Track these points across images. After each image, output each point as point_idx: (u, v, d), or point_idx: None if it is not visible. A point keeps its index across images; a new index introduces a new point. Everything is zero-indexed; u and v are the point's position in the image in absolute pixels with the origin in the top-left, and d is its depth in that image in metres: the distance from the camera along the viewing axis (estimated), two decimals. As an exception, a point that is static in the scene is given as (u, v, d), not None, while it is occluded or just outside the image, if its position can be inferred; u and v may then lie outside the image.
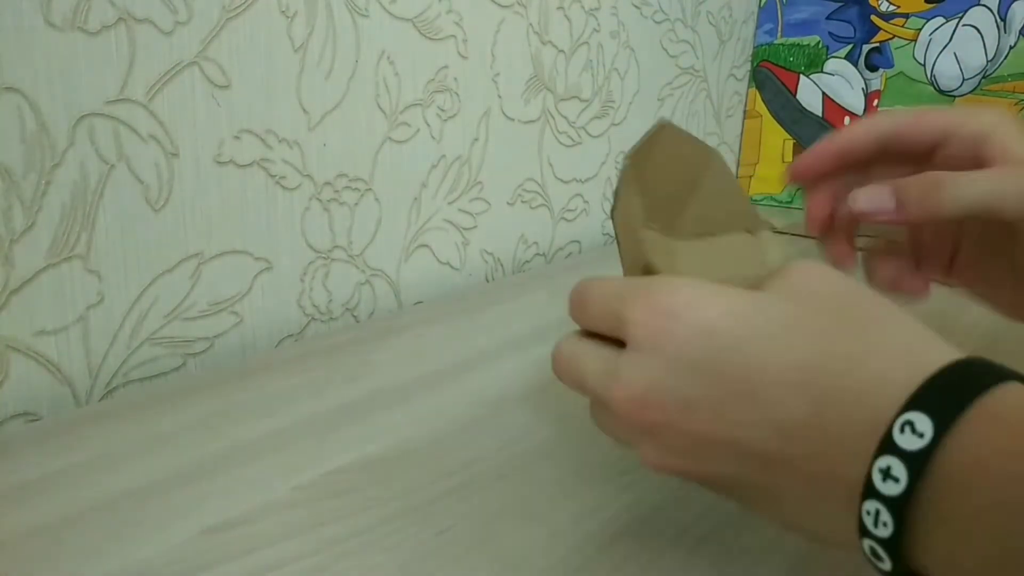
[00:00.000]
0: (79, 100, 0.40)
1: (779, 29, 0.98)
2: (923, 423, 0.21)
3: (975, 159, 0.34)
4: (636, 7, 0.79)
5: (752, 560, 0.29)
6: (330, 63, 0.52)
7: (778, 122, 1.01)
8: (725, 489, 0.27)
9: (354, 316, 0.58)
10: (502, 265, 0.70)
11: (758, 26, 1.00)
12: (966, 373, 0.22)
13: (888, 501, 0.21)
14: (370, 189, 0.56)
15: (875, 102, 0.94)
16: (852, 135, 0.38)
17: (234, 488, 0.33)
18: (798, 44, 0.97)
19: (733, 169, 1.05)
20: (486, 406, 0.41)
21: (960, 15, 0.87)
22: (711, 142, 0.99)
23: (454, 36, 0.60)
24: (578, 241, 0.79)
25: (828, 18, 0.95)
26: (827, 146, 0.39)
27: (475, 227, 0.66)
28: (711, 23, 0.92)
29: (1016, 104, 0.86)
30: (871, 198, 0.34)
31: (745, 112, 1.03)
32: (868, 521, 0.21)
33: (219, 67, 0.46)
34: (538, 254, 0.74)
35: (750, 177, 1.04)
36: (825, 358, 0.24)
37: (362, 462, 0.35)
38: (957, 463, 0.20)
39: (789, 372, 0.24)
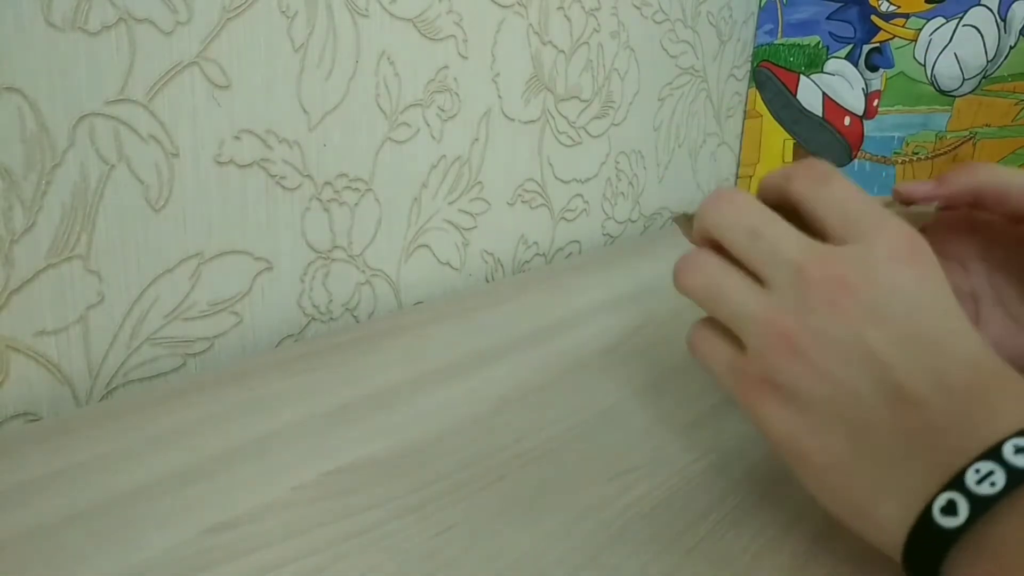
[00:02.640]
0: (79, 100, 0.40)
1: (779, 29, 0.98)
2: None
3: None
4: (636, 7, 0.79)
5: (752, 560, 0.29)
6: (330, 63, 0.52)
7: (778, 122, 1.01)
8: (817, 392, 0.26)
9: (354, 316, 0.58)
10: (502, 265, 0.70)
11: (758, 26, 1.00)
12: None
13: (973, 498, 0.22)
14: (370, 189, 0.56)
15: (875, 102, 0.94)
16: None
17: (234, 488, 0.33)
18: (798, 44, 0.97)
19: (733, 169, 1.05)
20: (486, 406, 0.41)
21: (960, 15, 0.87)
22: (711, 142, 0.99)
23: (454, 36, 0.60)
24: (578, 241, 0.79)
25: (828, 18, 0.95)
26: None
27: (475, 227, 0.66)
28: (711, 23, 0.92)
29: (1016, 104, 0.86)
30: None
31: (745, 112, 1.03)
32: (972, 478, 0.22)
33: (219, 67, 0.46)
34: (538, 254, 0.74)
35: (750, 177, 1.04)
36: (971, 367, 0.25)
37: (362, 462, 0.35)
38: None
39: (974, 346, 0.25)
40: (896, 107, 0.93)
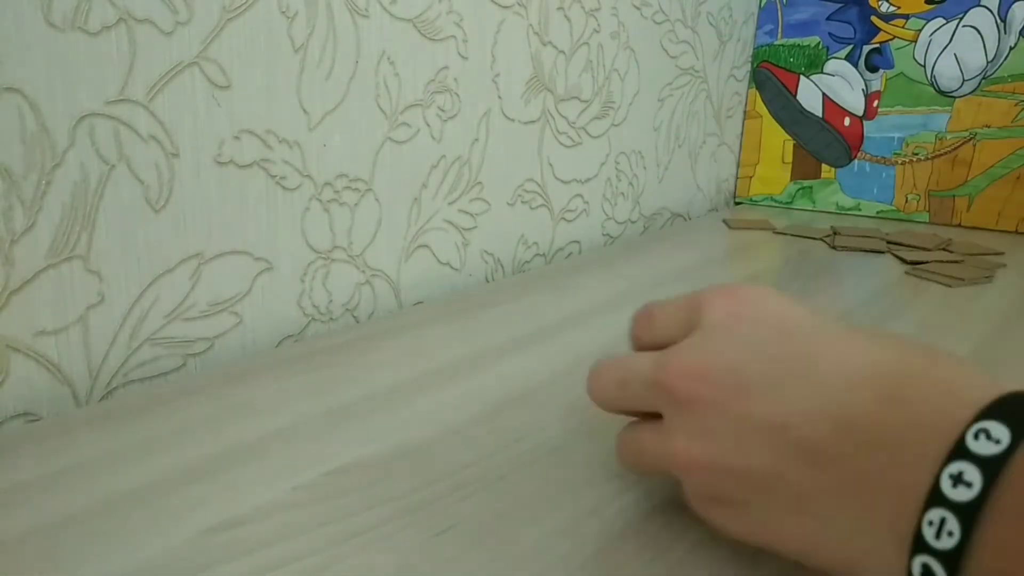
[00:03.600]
0: (79, 100, 0.40)
1: (779, 30, 0.98)
2: (999, 430, 0.20)
3: None
4: (636, 8, 0.79)
5: (752, 560, 0.29)
6: (330, 63, 0.52)
7: (778, 123, 1.01)
8: (748, 492, 0.25)
9: (354, 316, 0.58)
10: (502, 265, 0.70)
11: (758, 27, 1.00)
12: None
13: (958, 508, 0.20)
14: (370, 189, 0.56)
15: (875, 103, 0.94)
16: None
17: (234, 488, 0.33)
18: (798, 45, 0.97)
19: (733, 170, 1.05)
20: (486, 406, 0.41)
21: (960, 16, 0.87)
22: (711, 143, 0.99)
23: (454, 36, 0.60)
24: (578, 241, 0.79)
25: (828, 19, 0.95)
26: None
27: (475, 227, 0.66)
28: (711, 24, 0.92)
29: (1016, 105, 0.86)
30: None
31: (745, 113, 1.03)
32: (929, 533, 0.20)
33: (219, 67, 0.46)
34: (538, 254, 0.74)
35: (750, 178, 1.04)
36: (898, 358, 0.24)
37: (362, 462, 0.35)
38: None
39: (859, 365, 0.24)
40: (896, 108, 0.93)
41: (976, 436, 0.20)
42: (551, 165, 0.73)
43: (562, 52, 0.71)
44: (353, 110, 0.54)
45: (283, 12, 0.48)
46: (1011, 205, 0.88)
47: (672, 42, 0.86)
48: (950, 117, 0.90)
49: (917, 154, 0.93)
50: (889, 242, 0.80)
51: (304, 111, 0.51)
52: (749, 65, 1.01)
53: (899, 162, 0.94)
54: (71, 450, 0.35)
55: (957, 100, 0.89)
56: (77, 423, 0.38)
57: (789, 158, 1.01)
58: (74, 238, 0.41)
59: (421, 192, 0.60)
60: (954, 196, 0.92)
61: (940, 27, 0.89)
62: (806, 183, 1.00)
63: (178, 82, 0.44)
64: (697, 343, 0.27)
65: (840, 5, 0.94)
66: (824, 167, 0.99)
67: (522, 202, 0.71)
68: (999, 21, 0.86)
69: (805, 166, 1.00)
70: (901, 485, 0.21)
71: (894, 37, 0.92)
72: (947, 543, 0.20)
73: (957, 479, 0.20)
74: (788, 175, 1.01)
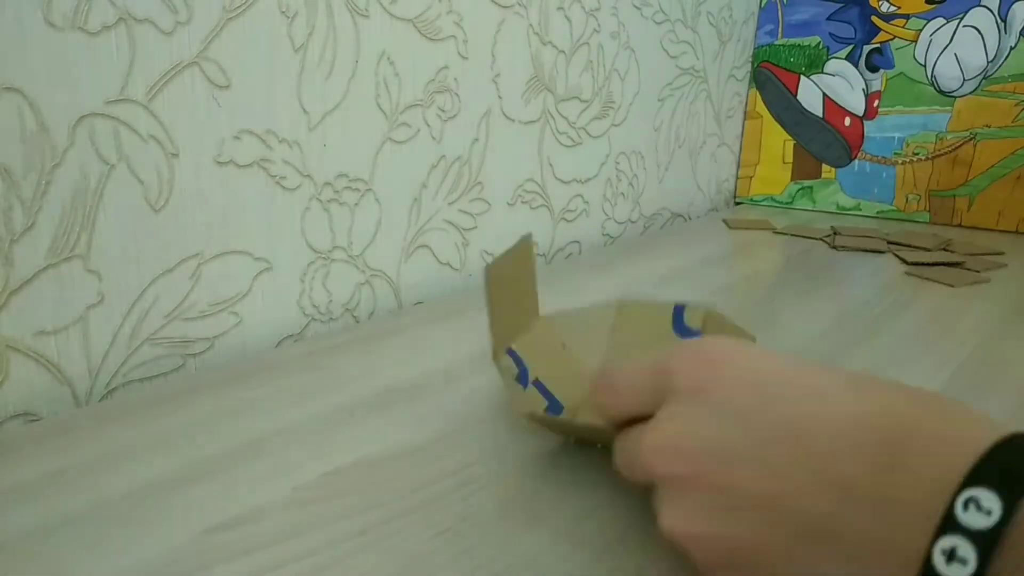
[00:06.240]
0: (79, 100, 0.40)
1: (779, 30, 0.98)
2: (989, 499, 0.19)
3: None
4: (636, 8, 0.79)
5: (752, 560, 0.29)
6: (330, 63, 0.52)
7: (779, 123, 1.01)
8: (750, 559, 0.24)
9: (354, 316, 0.58)
10: (502, 265, 0.70)
11: (758, 27, 1.00)
12: None
13: None
14: (370, 189, 0.56)
15: (875, 103, 0.94)
16: None
17: (234, 488, 0.33)
18: (799, 45, 0.97)
19: (733, 170, 1.05)
20: (487, 406, 0.41)
21: (961, 16, 0.87)
22: (711, 143, 0.99)
23: (454, 36, 0.60)
24: (578, 241, 0.79)
25: (829, 19, 0.95)
26: None
27: (475, 227, 0.66)
28: (711, 24, 0.92)
29: (1016, 105, 0.86)
30: None
31: (745, 113, 1.03)
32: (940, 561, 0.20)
33: (219, 67, 0.46)
34: (538, 254, 0.74)
35: (750, 178, 1.04)
36: (886, 411, 0.22)
37: (362, 462, 0.35)
38: None
39: (849, 427, 0.22)
40: (896, 108, 0.93)
41: (966, 506, 0.19)
42: (551, 165, 0.73)
43: (562, 52, 0.71)
44: (353, 110, 0.54)
45: (283, 12, 0.48)
46: (1011, 205, 0.88)
47: (672, 42, 0.86)
48: (950, 117, 0.90)
49: (917, 154, 0.93)
50: (889, 242, 0.80)
51: (304, 111, 0.51)
52: (749, 65, 1.01)
53: (899, 162, 0.94)
54: (71, 450, 0.35)
55: (957, 100, 0.89)
56: (77, 423, 0.38)
57: (789, 158, 1.01)
58: (74, 238, 0.41)
59: (421, 192, 0.60)
60: (954, 196, 0.92)
61: (940, 27, 0.89)
62: (806, 183, 1.00)
63: (178, 82, 0.44)
64: (671, 415, 0.26)
65: (840, 5, 0.94)
66: (824, 167, 0.99)
67: (522, 202, 0.71)
68: (999, 21, 0.86)
69: (805, 166, 1.00)
70: (905, 552, 0.20)
71: (894, 37, 0.92)
72: None
73: (951, 555, 0.19)
74: (788, 175, 1.01)
